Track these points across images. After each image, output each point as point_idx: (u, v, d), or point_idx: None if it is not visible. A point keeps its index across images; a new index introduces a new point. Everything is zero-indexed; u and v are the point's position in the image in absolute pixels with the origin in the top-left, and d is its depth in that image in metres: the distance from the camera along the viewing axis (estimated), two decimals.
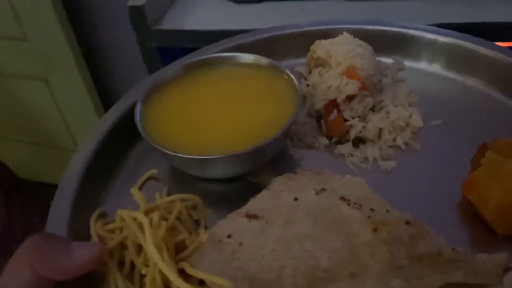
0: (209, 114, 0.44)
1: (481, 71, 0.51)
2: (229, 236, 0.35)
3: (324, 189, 0.38)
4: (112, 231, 0.38)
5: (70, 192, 0.42)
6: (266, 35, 0.59)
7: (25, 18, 1.15)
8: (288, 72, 0.47)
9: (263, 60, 0.49)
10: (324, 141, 0.48)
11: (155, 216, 0.34)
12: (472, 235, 0.40)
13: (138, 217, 0.34)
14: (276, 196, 0.38)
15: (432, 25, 0.59)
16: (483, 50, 0.51)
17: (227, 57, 0.50)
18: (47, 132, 1.44)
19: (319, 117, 0.51)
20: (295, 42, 0.59)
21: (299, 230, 0.35)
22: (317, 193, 0.38)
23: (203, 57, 0.49)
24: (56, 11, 1.10)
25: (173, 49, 0.76)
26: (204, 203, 0.43)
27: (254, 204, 0.38)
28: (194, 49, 0.72)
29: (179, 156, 0.40)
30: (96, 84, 1.29)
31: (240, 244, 0.34)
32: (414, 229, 0.34)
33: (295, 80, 0.46)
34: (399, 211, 0.37)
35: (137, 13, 0.69)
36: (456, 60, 0.53)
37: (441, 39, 0.54)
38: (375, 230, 0.34)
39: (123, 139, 0.48)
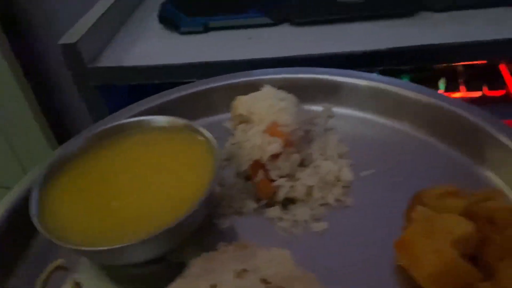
0: (118, 193, 0.40)
1: (408, 114, 0.50)
2: None
3: (245, 270, 0.34)
4: None
5: None
6: (190, 91, 0.56)
7: None
8: (206, 133, 0.44)
9: (179, 122, 0.45)
10: (252, 204, 0.44)
11: None
12: None
13: None
14: (190, 284, 0.34)
15: (384, 49, 0.59)
16: (410, 94, 0.50)
17: (138, 122, 0.46)
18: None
19: (247, 177, 0.47)
20: (221, 96, 0.56)
21: None
22: (237, 276, 0.34)
23: (109, 125, 0.45)
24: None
25: (116, 87, 0.71)
26: None
27: None
28: (137, 86, 0.68)
29: (80, 250, 0.35)
30: (47, 115, 1.22)
31: None
32: None
33: (212, 143, 0.43)
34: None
35: (70, 51, 0.64)
36: (384, 104, 0.52)
37: (366, 83, 0.53)
38: None
39: (25, 225, 0.43)
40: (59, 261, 0.40)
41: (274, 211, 0.43)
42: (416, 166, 0.46)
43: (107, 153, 0.43)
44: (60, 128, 1.27)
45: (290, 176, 0.45)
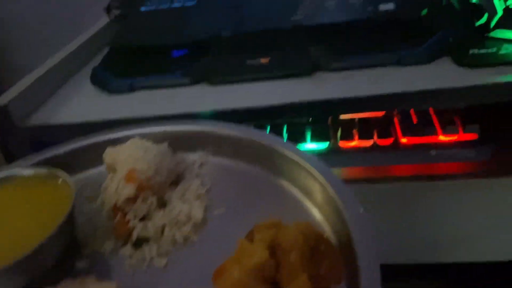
0: None
1: (243, 153, 0.57)
2: None
3: None
4: None
5: None
6: (67, 148, 0.62)
7: None
8: (67, 177, 0.49)
9: (43, 171, 0.51)
10: (109, 245, 0.49)
11: None
12: None
13: None
14: None
15: (276, 105, 0.67)
16: (233, 132, 0.58)
17: (4, 177, 0.51)
18: None
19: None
20: (104, 150, 0.62)
21: None
22: None
23: None
24: None
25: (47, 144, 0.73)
26: None
27: None
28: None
29: None
30: None
31: None
32: None
33: (72, 187, 0.48)
34: None
35: (1, 112, 0.70)
36: (243, 151, 0.58)
37: (233, 133, 0.59)
38: None
39: None
40: None
41: (125, 250, 0.48)
42: (258, 200, 0.52)
43: None
44: None
45: (148, 218, 0.50)
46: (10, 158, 0.78)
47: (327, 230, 0.47)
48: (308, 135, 0.83)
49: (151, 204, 0.50)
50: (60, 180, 0.50)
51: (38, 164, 0.59)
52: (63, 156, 0.62)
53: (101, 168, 0.63)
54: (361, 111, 0.78)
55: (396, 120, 0.83)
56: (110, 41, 0.96)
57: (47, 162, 0.60)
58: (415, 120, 0.82)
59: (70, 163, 0.61)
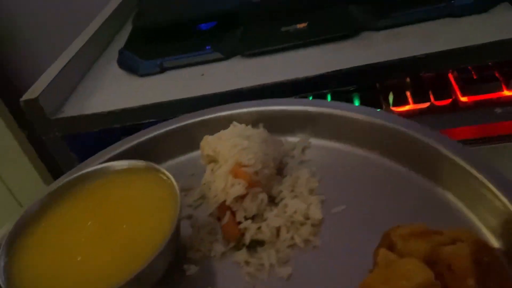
0: (82, 246, 0.40)
1: (381, 143, 0.48)
2: None
3: None
4: None
5: None
6: (162, 130, 0.56)
7: None
8: (168, 175, 0.44)
9: (140, 164, 0.45)
10: (220, 248, 0.44)
11: None
12: None
13: None
14: None
15: (328, 72, 0.59)
16: (378, 121, 0.48)
17: (98, 169, 0.46)
18: None
19: (218, 218, 0.47)
20: (195, 133, 0.56)
21: None
22: None
23: (69, 178, 0.45)
24: None
25: (83, 135, 0.73)
26: None
27: None
28: (103, 131, 0.70)
29: None
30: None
31: None
32: None
33: (174, 186, 0.42)
34: None
35: (32, 106, 0.66)
36: (355, 133, 0.50)
37: (340, 113, 0.51)
38: None
39: None
40: None
41: (241, 255, 0.42)
42: (390, 200, 0.44)
43: (69, 205, 0.44)
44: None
45: (258, 217, 0.44)
46: (46, 155, 0.75)
47: (489, 237, 0.39)
48: (356, 103, 0.73)
49: (261, 201, 0.44)
50: (159, 174, 0.44)
51: (123, 155, 0.55)
52: (147, 144, 0.56)
53: (190, 155, 0.57)
54: (414, 73, 0.68)
55: (452, 78, 0.72)
56: (134, 20, 0.88)
57: (131, 152, 0.55)
58: (474, 76, 0.71)
59: (156, 151, 0.56)
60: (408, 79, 0.73)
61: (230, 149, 0.45)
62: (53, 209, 0.43)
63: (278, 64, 0.67)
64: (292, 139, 0.54)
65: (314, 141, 0.53)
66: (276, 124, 0.54)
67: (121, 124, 0.67)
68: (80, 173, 0.45)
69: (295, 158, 0.52)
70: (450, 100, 0.70)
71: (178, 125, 0.57)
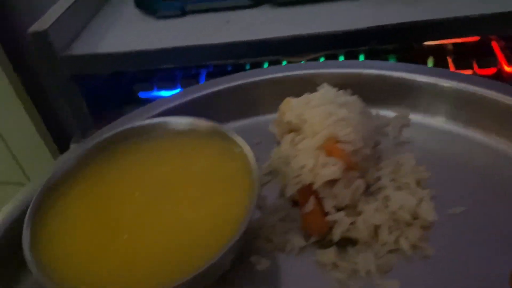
0: (129, 222, 0.31)
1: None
2: None
3: None
4: None
5: None
6: (224, 86, 0.46)
7: None
8: (241, 141, 0.34)
9: (205, 125, 0.36)
10: (299, 242, 0.34)
11: None
12: None
13: None
14: None
15: (362, 29, 0.53)
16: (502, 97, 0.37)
17: (151, 126, 0.37)
18: None
19: (294, 202, 0.38)
20: (265, 94, 0.46)
21: None
22: None
23: (114, 131, 0.36)
24: None
25: (92, 77, 0.67)
26: None
27: None
28: (115, 75, 0.64)
29: None
30: (43, 113, 1.19)
31: None
32: None
33: (251, 158, 0.33)
34: None
35: (40, 40, 0.58)
36: (486, 116, 0.39)
37: (452, 85, 0.40)
38: None
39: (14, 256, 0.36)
40: None
41: (328, 255, 0.33)
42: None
43: (113, 167, 0.35)
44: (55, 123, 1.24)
45: (351, 208, 0.35)
46: (53, 95, 0.67)
47: None
48: None
49: (357, 189, 0.35)
50: (228, 142, 0.35)
51: (178, 110, 0.45)
52: (203, 100, 0.47)
53: (256, 120, 0.48)
54: (456, 36, 0.60)
55: (496, 45, 0.64)
56: None
57: (184, 108, 0.46)
58: None
59: (215, 109, 0.47)
60: (449, 44, 0.66)
61: (322, 119, 0.35)
62: (91, 170, 0.35)
63: (311, 16, 0.59)
64: (386, 113, 0.44)
65: (414, 117, 0.43)
66: (365, 93, 0.44)
67: (136, 68, 0.61)
68: (128, 126, 0.36)
69: (390, 138, 0.42)
70: (495, 69, 0.63)
71: (243, 81, 0.47)
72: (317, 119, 0.35)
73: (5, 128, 1.21)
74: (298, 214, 0.36)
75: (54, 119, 1.22)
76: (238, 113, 0.47)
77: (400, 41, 0.60)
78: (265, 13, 0.63)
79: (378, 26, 0.54)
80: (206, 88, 0.47)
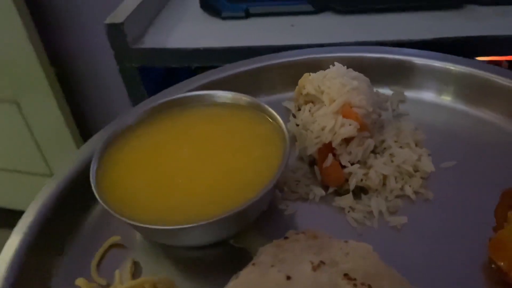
0: (179, 169, 0.37)
1: (498, 103, 0.45)
2: None
3: (323, 262, 0.31)
4: None
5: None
6: (245, 68, 0.52)
7: None
8: (274, 112, 0.40)
9: (244, 98, 0.42)
10: (320, 191, 0.41)
11: None
12: None
13: None
14: (264, 273, 0.30)
15: (426, 40, 0.55)
16: (499, 79, 0.45)
17: (200, 96, 0.43)
18: (20, 158, 1.35)
19: (312, 162, 0.44)
20: (279, 74, 0.52)
21: None
22: (314, 268, 0.30)
23: (170, 98, 0.42)
24: (27, 29, 1.01)
25: (153, 69, 0.70)
26: (180, 275, 0.36)
27: (237, 285, 0.31)
28: (176, 69, 0.66)
29: (142, 227, 0.33)
30: (71, 106, 1.21)
31: None
32: None
33: (282, 123, 0.39)
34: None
35: (116, 31, 0.62)
36: (468, 90, 0.47)
37: (449, 66, 0.48)
38: None
39: (82, 197, 0.41)
40: (116, 238, 0.38)
41: (346, 200, 0.39)
42: (505, 161, 0.41)
43: (168, 126, 0.40)
44: (83, 121, 1.27)
45: (362, 163, 0.41)
46: (127, 83, 0.71)
47: None
48: None
49: (367, 147, 0.41)
50: (263, 112, 0.41)
51: (220, 83, 0.51)
52: (222, 80, 0.53)
53: (269, 98, 0.54)
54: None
55: None
56: None
57: (214, 86, 0.51)
58: None
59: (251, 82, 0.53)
60: (505, 61, 0.68)
61: (339, 88, 0.41)
62: (149, 127, 0.40)
63: (372, 24, 0.62)
64: (384, 91, 0.51)
65: (409, 94, 0.50)
66: (366, 74, 0.50)
67: (202, 64, 0.63)
68: (181, 95, 0.42)
69: (389, 112, 0.49)
70: None
71: (261, 64, 0.53)
72: (334, 89, 0.42)
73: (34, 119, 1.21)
74: (316, 173, 0.42)
75: (80, 112, 1.22)
76: (253, 92, 0.53)
77: (458, 55, 0.57)
78: (327, 19, 0.65)
79: (440, 38, 0.56)
80: (226, 70, 0.53)
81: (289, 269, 0.30)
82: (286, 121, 0.48)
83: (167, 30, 0.68)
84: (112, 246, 0.38)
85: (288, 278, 0.30)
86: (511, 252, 0.32)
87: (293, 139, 0.46)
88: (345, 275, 0.29)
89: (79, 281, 0.32)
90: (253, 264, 0.32)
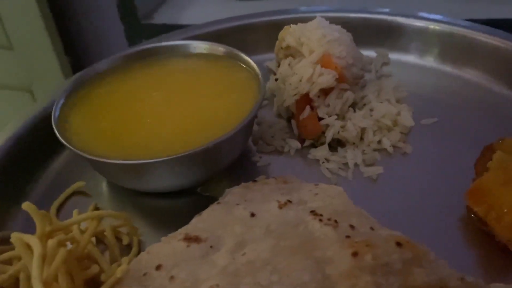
0: (149, 111, 0.35)
1: (481, 62, 0.44)
2: (158, 267, 0.26)
3: (289, 201, 0.29)
4: (8, 261, 0.29)
5: None
6: (228, 25, 0.51)
7: (10, 26, 1.05)
8: (250, 60, 0.39)
9: (220, 49, 0.41)
10: (295, 144, 0.39)
11: (51, 241, 0.24)
12: (480, 257, 0.31)
13: (31, 242, 0.25)
14: (228, 211, 0.29)
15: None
16: (483, 37, 0.44)
17: (175, 46, 0.41)
18: None
19: (290, 117, 0.42)
20: (263, 34, 0.51)
21: (254, 255, 0.25)
22: (280, 206, 0.29)
23: (144, 46, 0.41)
24: (44, 19, 1.02)
25: None
26: (144, 223, 0.34)
27: (198, 222, 0.29)
28: None
29: (104, 162, 0.31)
30: None
31: (172, 277, 0.25)
32: (408, 252, 0.25)
33: (257, 70, 0.38)
34: (388, 228, 0.28)
35: (127, 6, 0.62)
36: (451, 50, 0.45)
37: (432, 26, 0.46)
38: (355, 254, 0.25)
39: (47, 144, 0.39)
40: (80, 184, 0.36)
41: (321, 151, 0.38)
42: (486, 118, 0.40)
43: (142, 74, 0.39)
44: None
45: (340, 117, 0.40)
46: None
47: None
48: None
49: (346, 100, 0.40)
50: (239, 61, 0.40)
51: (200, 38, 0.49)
52: (230, 32, 0.51)
53: (255, 58, 0.52)
54: None
55: None
56: None
57: (210, 37, 0.50)
58: None
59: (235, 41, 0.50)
60: None
61: (319, 39, 0.40)
62: (120, 73, 0.39)
63: (401, 4, 0.62)
64: (368, 53, 0.50)
65: (394, 56, 0.49)
66: (352, 35, 0.49)
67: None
68: (158, 44, 0.41)
69: (372, 73, 0.47)
70: None
71: (242, 22, 0.52)
72: (314, 39, 0.41)
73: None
74: (293, 126, 0.41)
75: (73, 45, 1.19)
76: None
77: None
78: None
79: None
80: (211, 25, 0.52)
81: (255, 207, 0.29)
82: (266, 79, 0.47)
83: (180, 8, 0.68)
84: (76, 193, 0.37)
85: (253, 215, 0.29)
86: (489, 197, 0.30)
87: (272, 96, 0.45)
88: (312, 211, 0.28)
89: (25, 205, 0.29)
90: (218, 203, 0.31)
